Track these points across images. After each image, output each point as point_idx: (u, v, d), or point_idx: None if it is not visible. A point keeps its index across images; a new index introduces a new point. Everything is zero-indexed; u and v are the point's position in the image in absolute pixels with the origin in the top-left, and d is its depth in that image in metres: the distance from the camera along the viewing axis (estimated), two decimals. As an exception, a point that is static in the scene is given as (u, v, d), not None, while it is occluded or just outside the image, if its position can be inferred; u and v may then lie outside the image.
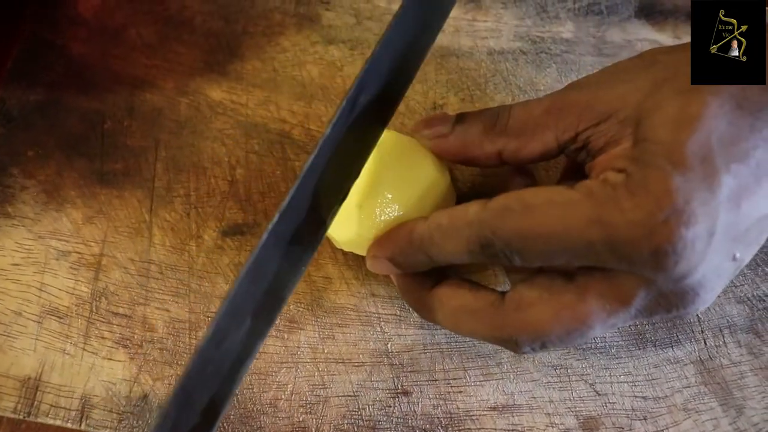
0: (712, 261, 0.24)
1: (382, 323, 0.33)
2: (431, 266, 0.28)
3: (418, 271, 0.29)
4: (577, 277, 0.25)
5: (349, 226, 0.30)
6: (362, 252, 0.30)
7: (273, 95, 0.37)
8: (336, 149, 0.25)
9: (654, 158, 0.23)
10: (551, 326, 0.25)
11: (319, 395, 0.32)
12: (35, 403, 0.32)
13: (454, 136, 0.29)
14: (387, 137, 0.30)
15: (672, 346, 0.34)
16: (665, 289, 0.24)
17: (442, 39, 0.39)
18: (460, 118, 0.29)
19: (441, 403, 0.32)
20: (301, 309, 0.34)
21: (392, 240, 0.28)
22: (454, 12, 0.39)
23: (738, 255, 0.25)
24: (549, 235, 0.24)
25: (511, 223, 0.24)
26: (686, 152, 0.23)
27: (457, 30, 0.39)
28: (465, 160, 0.30)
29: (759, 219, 0.24)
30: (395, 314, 0.34)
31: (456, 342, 0.33)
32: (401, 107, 0.37)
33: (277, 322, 0.33)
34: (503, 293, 0.27)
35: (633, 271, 0.24)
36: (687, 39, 0.39)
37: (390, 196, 0.29)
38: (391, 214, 0.29)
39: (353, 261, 0.34)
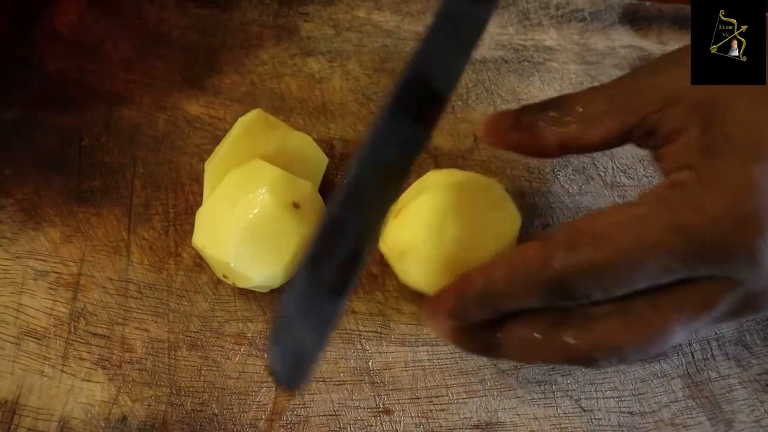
0: None
1: (363, 341, 0.33)
2: (495, 316, 0.26)
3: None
4: (649, 293, 0.24)
5: (415, 264, 0.30)
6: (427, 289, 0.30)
7: (251, 109, 0.37)
8: None
9: (726, 145, 0.22)
10: (625, 338, 0.23)
11: (299, 415, 0.32)
12: (12, 427, 0.31)
13: (519, 129, 0.28)
14: (462, 177, 0.31)
15: (659, 360, 0.33)
16: (755, 289, 0.22)
17: (423, 49, 0.38)
18: (523, 110, 0.28)
19: (423, 421, 0.32)
20: (280, 327, 0.33)
21: (448, 298, 0.26)
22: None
23: None
24: (628, 258, 0.22)
25: (582, 258, 0.23)
26: (765, 135, 0.21)
27: (438, 39, 0.38)
28: (527, 149, 0.28)
29: None
30: (376, 331, 0.33)
31: (438, 359, 0.33)
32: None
33: (256, 342, 0.33)
34: None
35: (724, 274, 0.22)
36: (672, 45, 0.38)
37: (460, 237, 0.29)
38: (459, 258, 0.29)
39: (333, 277, 0.34)
